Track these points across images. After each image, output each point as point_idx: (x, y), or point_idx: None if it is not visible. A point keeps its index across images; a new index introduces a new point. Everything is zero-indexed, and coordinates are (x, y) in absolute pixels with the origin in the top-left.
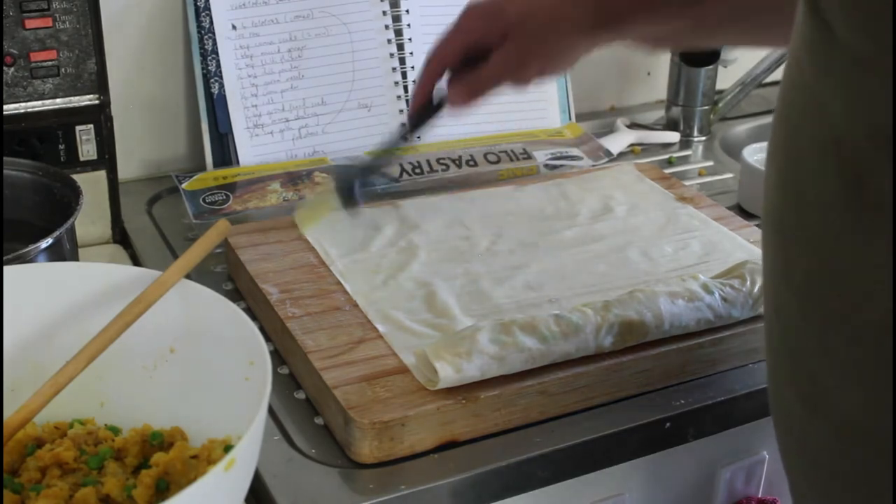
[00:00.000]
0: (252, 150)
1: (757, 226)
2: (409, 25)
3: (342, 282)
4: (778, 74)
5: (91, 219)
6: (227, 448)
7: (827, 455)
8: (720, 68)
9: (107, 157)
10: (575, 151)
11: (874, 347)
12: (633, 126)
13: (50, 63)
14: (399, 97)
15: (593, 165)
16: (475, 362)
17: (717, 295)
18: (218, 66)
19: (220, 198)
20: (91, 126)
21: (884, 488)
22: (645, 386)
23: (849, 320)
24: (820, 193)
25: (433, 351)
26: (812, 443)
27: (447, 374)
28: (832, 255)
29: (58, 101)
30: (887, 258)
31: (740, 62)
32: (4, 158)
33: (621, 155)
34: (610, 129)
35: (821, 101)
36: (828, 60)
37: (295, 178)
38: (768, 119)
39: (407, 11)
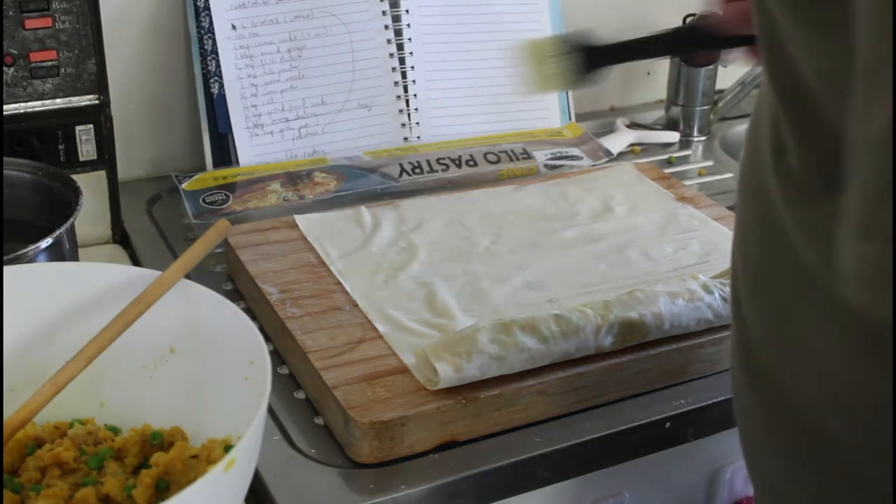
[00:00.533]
0: (252, 150)
1: None
2: (408, 25)
3: (342, 282)
4: None
5: (91, 219)
6: (227, 448)
7: None
8: (720, 68)
9: (107, 157)
10: (575, 151)
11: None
12: (633, 126)
13: (50, 63)
14: (399, 97)
15: (593, 165)
16: (475, 362)
17: (717, 295)
18: (218, 66)
19: (220, 198)
20: (91, 126)
21: None
22: (645, 386)
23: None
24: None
25: (433, 351)
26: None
27: (447, 373)
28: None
29: (57, 101)
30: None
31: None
32: (4, 158)
33: (621, 155)
34: (610, 129)
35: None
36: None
37: (295, 178)
38: None
39: (407, 11)
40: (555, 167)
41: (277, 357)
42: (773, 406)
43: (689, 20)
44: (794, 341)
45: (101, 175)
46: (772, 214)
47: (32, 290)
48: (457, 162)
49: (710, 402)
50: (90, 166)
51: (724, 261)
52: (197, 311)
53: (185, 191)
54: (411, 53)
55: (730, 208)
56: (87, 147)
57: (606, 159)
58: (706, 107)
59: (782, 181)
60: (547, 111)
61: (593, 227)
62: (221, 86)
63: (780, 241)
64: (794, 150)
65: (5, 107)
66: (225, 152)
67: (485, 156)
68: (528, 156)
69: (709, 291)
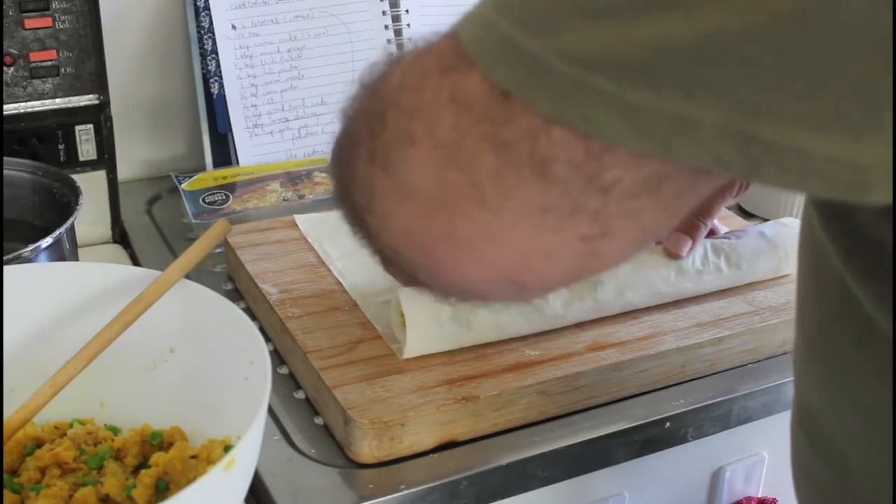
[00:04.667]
0: (252, 150)
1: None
2: (408, 25)
3: (342, 282)
4: None
5: (91, 219)
6: (227, 448)
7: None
8: None
9: (106, 157)
10: None
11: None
12: None
13: (49, 63)
14: None
15: None
16: (444, 329)
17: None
18: (217, 66)
19: (220, 198)
20: (91, 126)
21: None
22: (644, 386)
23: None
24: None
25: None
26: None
27: (415, 339)
28: None
29: (57, 101)
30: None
31: None
32: (4, 158)
33: None
34: None
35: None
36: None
37: (295, 177)
38: None
39: (407, 11)
40: None
41: (277, 357)
42: (835, 469)
43: None
44: (850, 397)
45: (101, 175)
46: (826, 261)
47: (32, 290)
48: None
49: (710, 402)
50: (90, 166)
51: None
52: (197, 311)
53: (184, 191)
54: None
55: (729, 208)
56: (86, 147)
57: None
58: None
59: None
60: None
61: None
62: (221, 86)
63: (836, 291)
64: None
65: (5, 107)
66: (225, 152)
67: None
68: None
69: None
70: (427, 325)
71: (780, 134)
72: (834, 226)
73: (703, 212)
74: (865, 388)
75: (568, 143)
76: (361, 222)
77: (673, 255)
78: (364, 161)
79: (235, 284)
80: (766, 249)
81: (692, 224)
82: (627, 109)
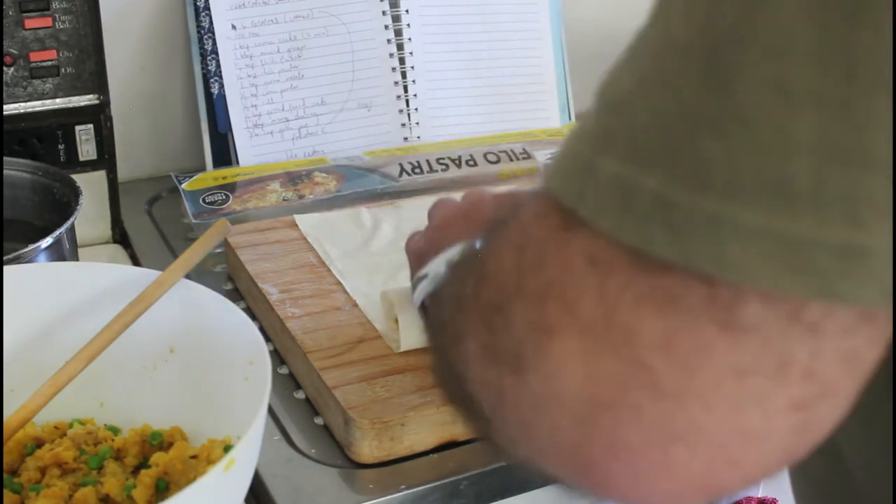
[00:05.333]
0: (252, 149)
1: None
2: (408, 25)
3: (342, 282)
4: None
5: (91, 219)
6: (227, 448)
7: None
8: None
9: (106, 157)
10: None
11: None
12: None
13: (50, 63)
14: (399, 97)
15: None
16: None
17: None
18: (218, 66)
19: (220, 198)
20: (91, 126)
21: None
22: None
23: None
24: None
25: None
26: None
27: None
28: None
29: (57, 100)
30: None
31: None
32: (4, 158)
33: None
34: None
35: None
36: None
37: (295, 178)
38: None
39: (407, 11)
40: None
41: (277, 357)
42: (830, 465)
43: None
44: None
45: (101, 175)
46: None
47: (32, 290)
48: (457, 162)
49: None
50: (90, 166)
51: None
52: (197, 311)
53: (185, 191)
54: (411, 53)
55: None
56: (87, 147)
57: None
58: None
59: None
60: (547, 111)
61: None
62: (221, 86)
63: None
64: None
65: (5, 107)
66: (225, 152)
67: (485, 156)
68: (528, 156)
69: None
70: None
71: None
72: None
73: None
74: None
75: None
76: (479, 420)
77: None
78: (483, 363)
79: (235, 284)
80: None
81: None
82: (776, 245)
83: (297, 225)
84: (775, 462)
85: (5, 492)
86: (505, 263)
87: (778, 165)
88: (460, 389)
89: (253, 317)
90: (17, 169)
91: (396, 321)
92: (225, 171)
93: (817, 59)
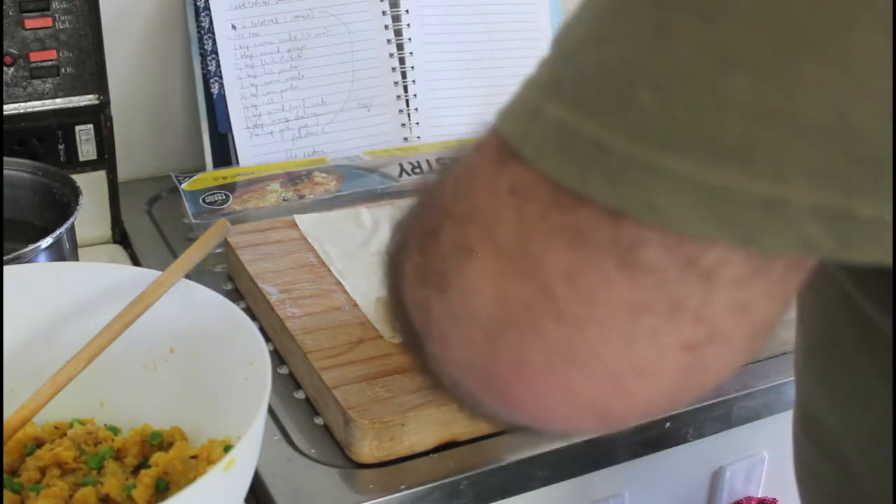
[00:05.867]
0: (252, 150)
1: None
2: (408, 25)
3: (342, 282)
4: None
5: (91, 219)
6: (227, 448)
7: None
8: None
9: (106, 157)
10: None
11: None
12: None
13: (50, 63)
14: (399, 97)
15: None
16: None
17: None
18: (217, 66)
19: (220, 198)
20: (91, 126)
21: None
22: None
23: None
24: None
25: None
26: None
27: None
28: None
29: (57, 101)
30: None
31: None
32: (4, 158)
33: None
34: None
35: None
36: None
37: (295, 178)
38: None
39: (407, 11)
40: None
41: (277, 357)
42: (838, 471)
43: None
44: (852, 398)
45: (101, 175)
46: (826, 265)
47: (32, 290)
48: None
49: (710, 402)
50: (90, 166)
51: None
52: (197, 311)
53: (185, 191)
54: (411, 53)
55: None
56: (87, 147)
57: None
58: None
59: None
60: None
61: None
62: (221, 86)
63: (836, 292)
64: None
65: (5, 107)
66: (225, 152)
67: None
68: None
69: None
70: None
71: (877, 207)
72: None
73: None
74: (867, 389)
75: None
76: (417, 347)
77: None
78: (416, 282)
79: (235, 284)
80: None
81: None
82: (703, 193)
83: (297, 225)
84: (665, 398)
85: (5, 492)
86: (445, 190)
87: (710, 121)
88: (403, 316)
89: (253, 317)
90: (17, 169)
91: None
92: (225, 171)
93: (753, 24)
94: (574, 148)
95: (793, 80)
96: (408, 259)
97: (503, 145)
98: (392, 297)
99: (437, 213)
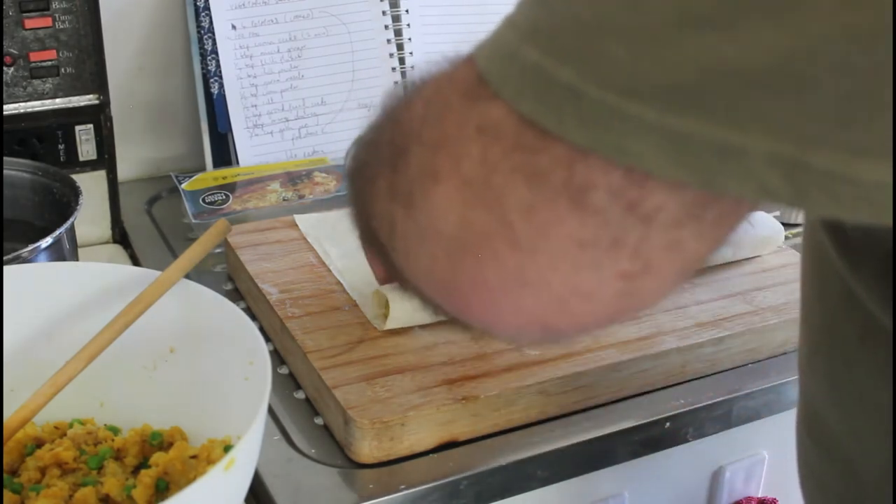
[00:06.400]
0: (252, 149)
1: None
2: (408, 25)
3: (342, 282)
4: None
5: (91, 219)
6: (227, 448)
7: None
8: None
9: (106, 157)
10: None
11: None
12: None
13: (49, 63)
14: None
15: None
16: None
17: None
18: (217, 66)
19: (220, 198)
20: (91, 126)
21: None
22: (644, 386)
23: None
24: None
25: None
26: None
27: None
28: None
29: (57, 101)
30: None
31: None
32: (4, 158)
33: None
34: None
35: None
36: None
37: (295, 177)
38: None
39: (407, 11)
40: None
41: (277, 357)
42: (842, 472)
43: None
44: (855, 397)
45: (101, 175)
46: (829, 262)
47: (32, 290)
48: None
49: (709, 402)
50: (90, 166)
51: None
52: (197, 311)
53: (184, 191)
54: (411, 53)
55: None
56: (86, 147)
57: None
58: None
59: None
60: None
61: None
62: (221, 86)
63: (840, 291)
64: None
65: (5, 107)
66: (225, 152)
67: None
68: None
69: None
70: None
71: (833, 160)
72: (836, 227)
73: None
74: (871, 389)
75: (607, 169)
76: (380, 250)
77: None
78: (384, 197)
79: (235, 284)
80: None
81: None
82: (666, 138)
83: (297, 225)
84: (602, 318)
85: (5, 492)
86: (414, 112)
87: (673, 73)
88: (367, 227)
89: (253, 317)
90: (17, 169)
91: (387, 304)
92: (225, 171)
93: None
94: (551, 92)
95: (749, 35)
96: (380, 173)
97: (477, 81)
98: (358, 207)
99: (407, 134)
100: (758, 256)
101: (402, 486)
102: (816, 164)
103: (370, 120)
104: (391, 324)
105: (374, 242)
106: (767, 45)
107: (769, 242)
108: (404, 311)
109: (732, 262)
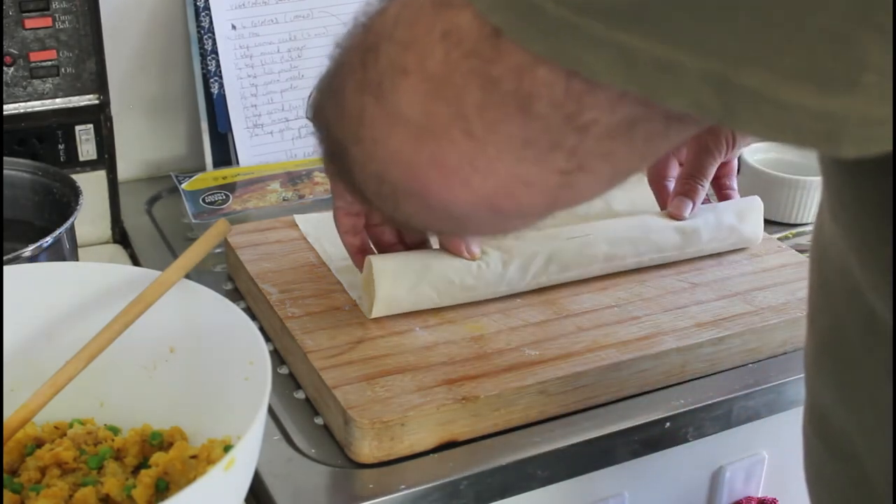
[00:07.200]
0: (252, 149)
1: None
2: None
3: (342, 282)
4: None
5: (91, 219)
6: (227, 448)
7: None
8: None
9: (106, 157)
10: None
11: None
12: None
13: (49, 63)
14: None
15: None
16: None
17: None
18: (218, 65)
19: (220, 198)
20: (91, 126)
21: None
22: (644, 386)
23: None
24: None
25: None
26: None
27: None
28: None
29: (57, 100)
30: None
31: None
32: (4, 158)
33: None
34: None
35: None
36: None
37: (295, 177)
38: None
39: None
40: None
41: (277, 357)
42: (849, 471)
43: None
44: (863, 396)
45: (101, 175)
46: (836, 260)
47: (32, 290)
48: None
49: (709, 402)
50: (90, 166)
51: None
52: (197, 311)
53: (185, 191)
54: None
55: None
56: (86, 147)
57: None
58: None
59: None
60: None
61: (591, 224)
62: (221, 86)
63: (847, 291)
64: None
65: (5, 107)
66: (225, 152)
67: None
68: None
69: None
70: (394, 284)
71: (757, 80)
72: (846, 215)
73: (699, 174)
74: (878, 387)
75: (551, 83)
76: (343, 154)
77: (675, 217)
78: (354, 91)
79: (235, 284)
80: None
81: (691, 187)
82: (615, 51)
83: (297, 225)
84: (543, 205)
85: (5, 492)
86: (388, 15)
87: None
88: (332, 140)
89: (253, 317)
90: (17, 169)
91: (373, 284)
92: (225, 171)
93: None
94: (515, 7)
95: None
96: (350, 72)
97: None
98: (323, 110)
99: (379, 34)
100: (758, 256)
101: (402, 486)
102: (743, 83)
103: (339, 38)
104: (378, 307)
105: (338, 156)
106: None
107: (749, 241)
108: (390, 289)
109: (733, 262)
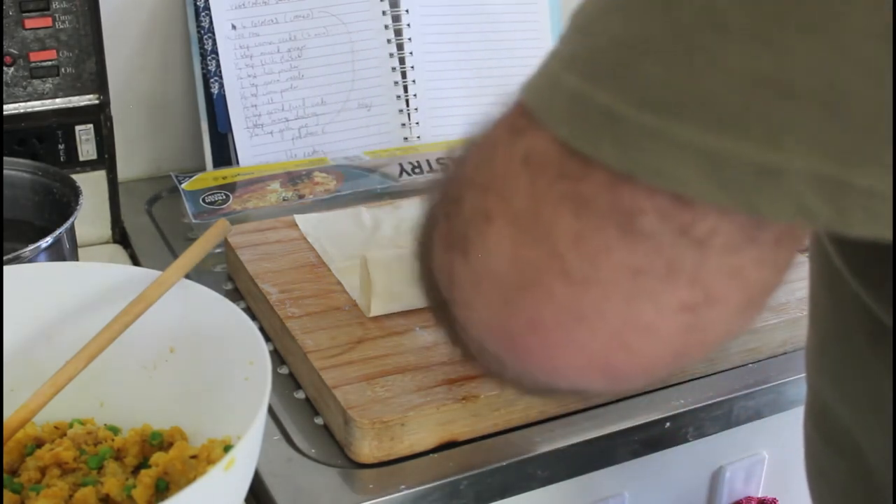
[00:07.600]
0: (252, 149)
1: None
2: (409, 25)
3: (342, 282)
4: None
5: (91, 219)
6: (227, 448)
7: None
8: None
9: (106, 157)
10: None
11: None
12: None
13: (49, 63)
14: (399, 97)
15: None
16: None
17: None
18: (217, 65)
19: (220, 198)
20: (91, 126)
21: None
22: (644, 386)
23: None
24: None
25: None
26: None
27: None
28: None
29: (57, 100)
30: None
31: None
32: (4, 158)
33: None
34: None
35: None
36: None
37: (295, 177)
38: None
39: (407, 11)
40: None
41: (277, 357)
42: (851, 466)
43: None
44: (864, 394)
45: (101, 175)
46: (835, 264)
47: (32, 290)
48: None
49: (710, 402)
50: (90, 166)
51: None
52: (197, 311)
53: (185, 191)
54: (411, 53)
55: None
56: (86, 147)
57: None
58: None
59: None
60: None
61: None
62: (221, 86)
63: (847, 289)
64: None
65: (5, 107)
66: (225, 152)
67: None
68: None
69: None
70: (390, 278)
71: (873, 178)
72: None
73: None
74: (880, 384)
75: (652, 192)
76: (449, 315)
77: None
78: (442, 248)
79: (235, 284)
80: None
81: None
82: (703, 158)
83: (297, 225)
84: (668, 356)
85: (5, 492)
86: (468, 162)
87: (708, 89)
88: (432, 286)
89: (253, 317)
90: (17, 169)
91: (369, 280)
92: (225, 171)
93: None
94: (588, 117)
95: (785, 49)
96: (435, 228)
97: (521, 114)
98: (422, 268)
99: (461, 182)
100: None
101: (402, 486)
102: (857, 183)
103: (435, 181)
104: (376, 302)
105: (439, 305)
106: (803, 57)
107: None
108: (387, 283)
109: None
